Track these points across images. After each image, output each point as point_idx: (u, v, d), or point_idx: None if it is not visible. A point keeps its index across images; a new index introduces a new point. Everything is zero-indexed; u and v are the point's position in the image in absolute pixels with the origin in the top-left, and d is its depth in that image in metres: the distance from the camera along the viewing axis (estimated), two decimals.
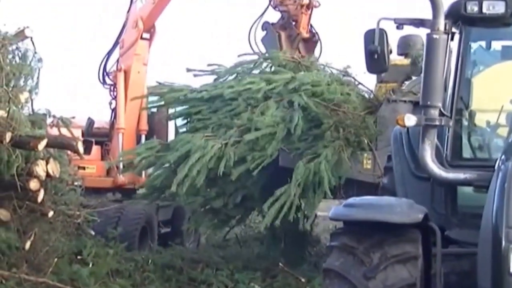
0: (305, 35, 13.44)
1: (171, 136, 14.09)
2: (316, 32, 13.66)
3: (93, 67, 14.88)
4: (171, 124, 14.40)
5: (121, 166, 13.76)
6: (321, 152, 10.19)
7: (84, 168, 13.38)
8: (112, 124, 14.65)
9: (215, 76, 11.84)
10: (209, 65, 11.90)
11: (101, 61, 14.75)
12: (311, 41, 13.55)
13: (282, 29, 13.38)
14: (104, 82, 14.77)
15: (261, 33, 13.50)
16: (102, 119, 15.00)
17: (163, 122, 14.35)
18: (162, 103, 12.25)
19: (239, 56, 12.01)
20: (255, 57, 12.22)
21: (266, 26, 13.41)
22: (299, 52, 13.03)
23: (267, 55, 12.12)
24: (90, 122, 14.67)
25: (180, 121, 12.73)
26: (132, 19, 14.49)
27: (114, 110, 14.66)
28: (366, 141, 10.50)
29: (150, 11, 14.26)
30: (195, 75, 11.79)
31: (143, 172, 13.35)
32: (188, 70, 11.75)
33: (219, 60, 12.22)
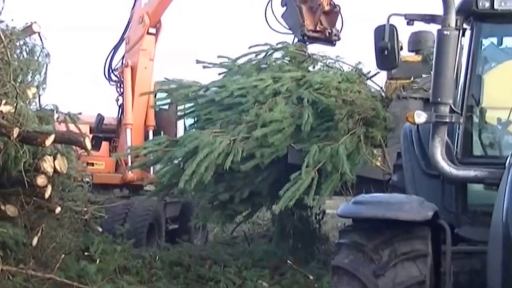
0: (326, 7, 12.94)
1: (180, 133, 14.09)
2: (337, 4, 13.13)
3: (93, 64, 14.90)
4: (180, 121, 14.40)
5: (129, 162, 13.76)
6: (339, 138, 10.09)
7: (92, 164, 13.38)
8: (120, 120, 14.65)
9: (224, 69, 11.78)
10: (219, 56, 11.86)
11: (106, 58, 14.76)
12: (333, 12, 13.08)
13: (303, 2, 12.88)
14: (110, 79, 14.77)
15: (279, 10, 13.18)
16: (110, 116, 15.00)
17: (171, 119, 14.33)
18: (170, 100, 12.21)
19: (250, 47, 11.95)
20: (266, 47, 12.09)
21: (286, 1, 12.92)
22: (321, 25, 12.81)
23: (277, 45, 11.99)
24: (100, 118, 14.65)
25: (188, 118, 12.70)
26: (137, 15, 14.50)
27: (121, 107, 14.66)
28: (378, 136, 10.40)
29: (156, 6, 14.27)
30: (204, 67, 11.74)
31: (151, 168, 13.35)
32: (198, 62, 11.69)
33: (229, 53, 12.10)
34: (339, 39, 12.90)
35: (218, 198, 10.83)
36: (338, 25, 12.97)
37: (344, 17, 13.02)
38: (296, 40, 12.73)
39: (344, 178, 10.09)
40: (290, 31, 12.82)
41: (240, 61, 11.81)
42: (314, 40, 12.81)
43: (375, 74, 11.78)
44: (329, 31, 12.72)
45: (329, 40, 12.82)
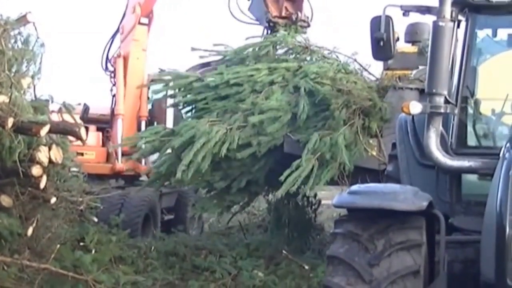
0: None
1: (169, 121, 14.10)
2: None
3: (90, 56, 14.88)
4: (169, 111, 14.38)
5: (120, 153, 13.79)
6: (338, 128, 10.11)
7: (82, 154, 13.34)
8: (113, 110, 14.63)
9: (220, 57, 11.77)
10: (215, 45, 11.83)
11: (104, 47, 14.73)
12: None
13: None
14: (106, 68, 14.75)
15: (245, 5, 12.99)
16: (99, 106, 14.91)
17: (163, 109, 14.33)
18: (166, 91, 12.20)
19: (246, 38, 11.93)
20: (263, 39, 12.07)
21: None
22: (287, 11, 12.65)
23: (274, 38, 11.98)
24: (86, 108, 14.60)
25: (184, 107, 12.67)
26: (131, 5, 14.49)
27: (114, 97, 14.64)
28: (374, 126, 10.43)
29: None
30: (200, 57, 11.73)
31: (144, 160, 13.36)
32: (193, 49, 11.68)
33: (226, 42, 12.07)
34: (308, 25, 12.78)
35: (215, 187, 10.84)
36: (308, 12, 12.85)
37: (312, 4, 12.90)
38: (265, 31, 12.67)
39: (341, 168, 10.12)
40: (257, 22, 12.74)
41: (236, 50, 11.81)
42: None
43: (367, 69, 11.84)
44: (296, 15, 12.55)
45: (297, 25, 12.63)
